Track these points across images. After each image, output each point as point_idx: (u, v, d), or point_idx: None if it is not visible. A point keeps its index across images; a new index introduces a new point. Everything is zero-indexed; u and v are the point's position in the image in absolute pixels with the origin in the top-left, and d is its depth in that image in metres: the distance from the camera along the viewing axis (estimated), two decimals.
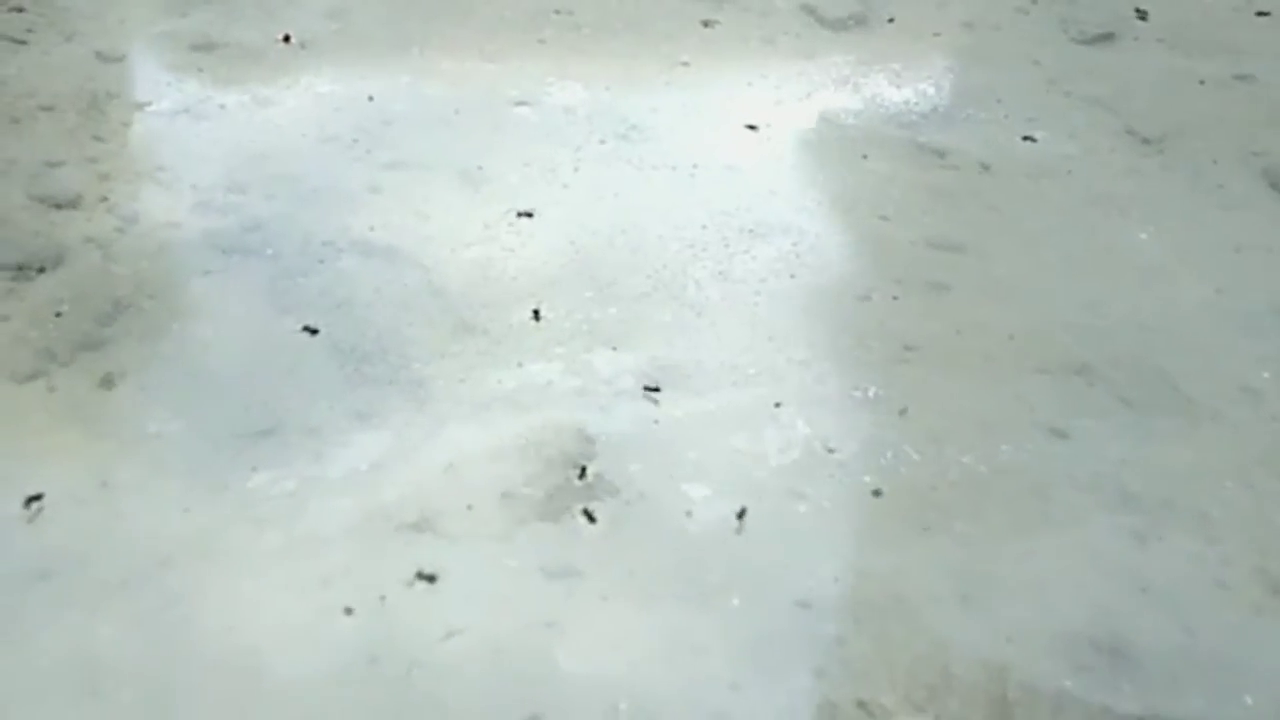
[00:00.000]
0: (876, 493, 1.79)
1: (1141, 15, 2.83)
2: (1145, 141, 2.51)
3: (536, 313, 2.06)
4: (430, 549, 1.69)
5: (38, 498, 1.72)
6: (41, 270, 2.05)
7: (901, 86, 2.65)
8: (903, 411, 1.91)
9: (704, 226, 2.25)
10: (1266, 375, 2.00)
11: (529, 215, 2.24)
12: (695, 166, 2.40)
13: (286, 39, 2.61)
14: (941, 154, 2.47)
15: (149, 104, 2.42)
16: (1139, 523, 1.76)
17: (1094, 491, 1.80)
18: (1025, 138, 2.51)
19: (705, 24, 2.81)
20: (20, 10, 2.58)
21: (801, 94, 2.62)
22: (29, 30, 2.54)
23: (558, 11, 2.85)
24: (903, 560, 1.70)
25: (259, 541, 1.68)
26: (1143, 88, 2.66)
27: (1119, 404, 1.95)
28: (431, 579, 1.66)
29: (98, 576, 1.63)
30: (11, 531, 1.67)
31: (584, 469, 1.82)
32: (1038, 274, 2.19)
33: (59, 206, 2.17)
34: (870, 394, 1.95)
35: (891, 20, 2.85)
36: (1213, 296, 2.14)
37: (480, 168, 2.35)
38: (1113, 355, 2.03)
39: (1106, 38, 2.77)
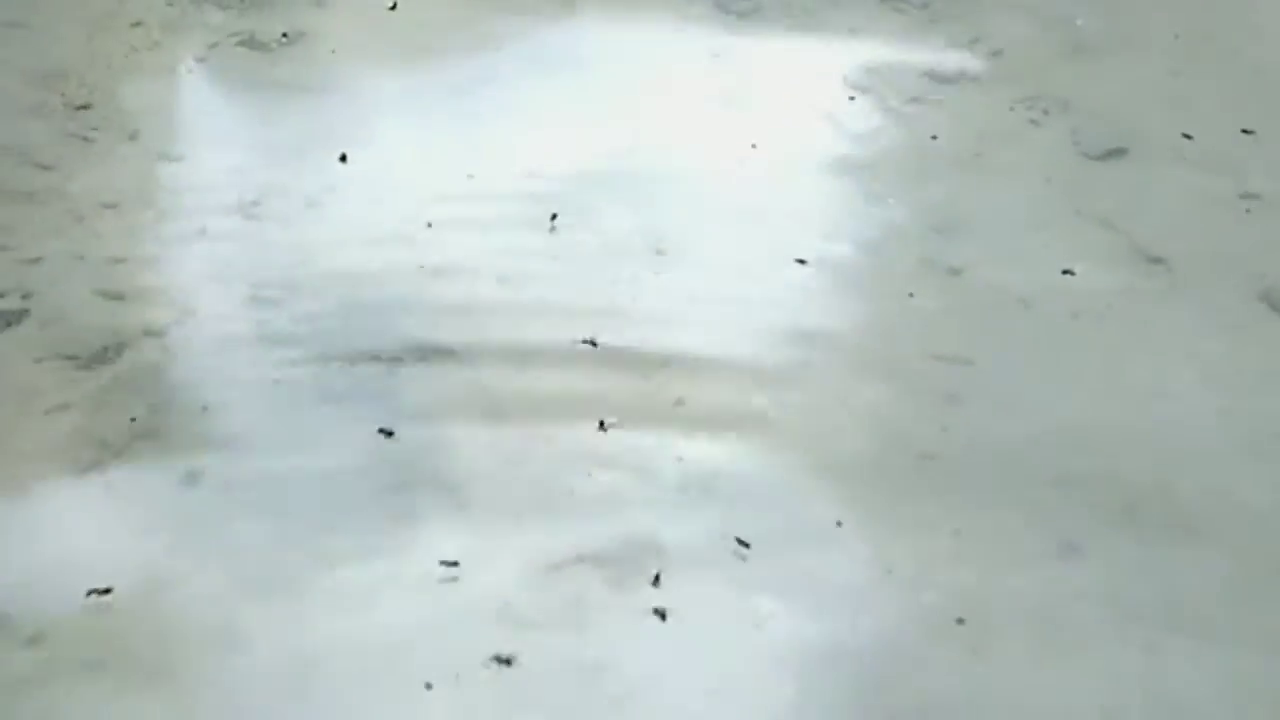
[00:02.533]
0: None
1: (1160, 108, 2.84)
2: (1151, 260, 2.51)
3: (602, 423, 2.08)
4: (507, 639, 1.74)
5: (105, 591, 1.73)
6: (102, 362, 2.08)
7: (909, 202, 2.65)
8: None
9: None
10: (1268, 495, 1.99)
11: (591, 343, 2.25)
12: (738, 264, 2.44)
13: (344, 158, 2.61)
14: (952, 268, 2.46)
15: (207, 201, 2.46)
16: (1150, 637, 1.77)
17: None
18: (1032, 252, 2.51)
19: (752, 145, 2.79)
20: (87, 108, 2.62)
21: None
22: (94, 129, 2.59)
23: None
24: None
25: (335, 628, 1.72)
26: (1151, 205, 2.66)
27: (1124, 519, 1.95)
28: (508, 662, 1.72)
29: (158, 668, 1.63)
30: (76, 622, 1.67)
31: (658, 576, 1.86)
32: (1043, 389, 2.20)
33: (121, 300, 2.21)
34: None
35: (910, 107, 2.85)
36: (1215, 417, 2.15)
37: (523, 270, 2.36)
38: (1117, 471, 2.04)
39: (1118, 153, 2.78)
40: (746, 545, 1.91)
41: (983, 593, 1.88)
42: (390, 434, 2.01)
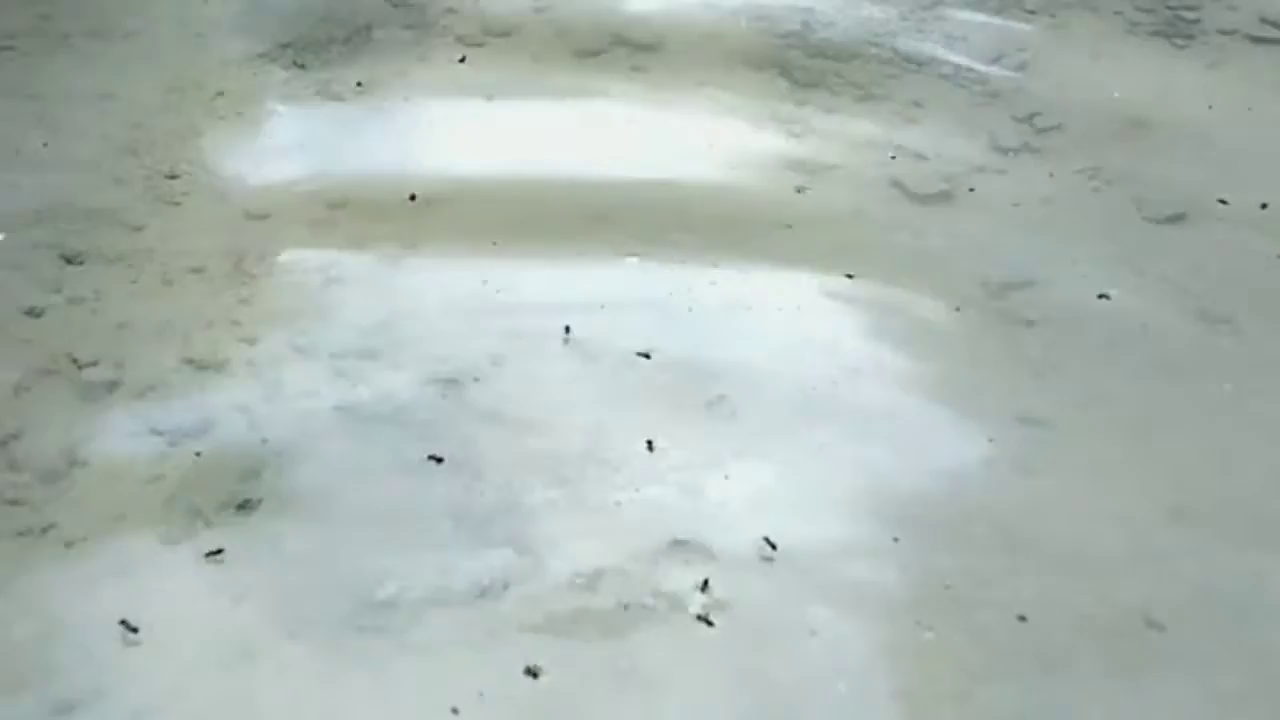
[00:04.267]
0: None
1: (1223, 201, 2.80)
2: (1218, 320, 2.46)
3: (650, 443, 2.10)
4: (544, 651, 1.76)
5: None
6: (192, 435, 2.07)
7: (980, 257, 2.61)
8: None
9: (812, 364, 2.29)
10: None
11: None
12: (799, 308, 2.43)
13: (413, 198, 2.61)
14: (1026, 321, 2.43)
15: (290, 269, 2.44)
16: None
17: None
18: (1099, 310, 2.48)
19: (798, 190, 2.78)
20: (174, 177, 2.62)
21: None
22: (183, 194, 2.60)
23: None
24: None
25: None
26: (1215, 268, 2.61)
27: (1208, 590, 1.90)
28: (535, 675, 1.74)
29: None
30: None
31: (706, 582, 1.86)
32: (1122, 451, 2.17)
33: (208, 370, 2.19)
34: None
35: (973, 190, 2.81)
36: None
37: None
38: (1201, 538, 2.00)
39: (1179, 218, 2.73)
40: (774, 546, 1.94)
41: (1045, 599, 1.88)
42: (440, 460, 2.04)
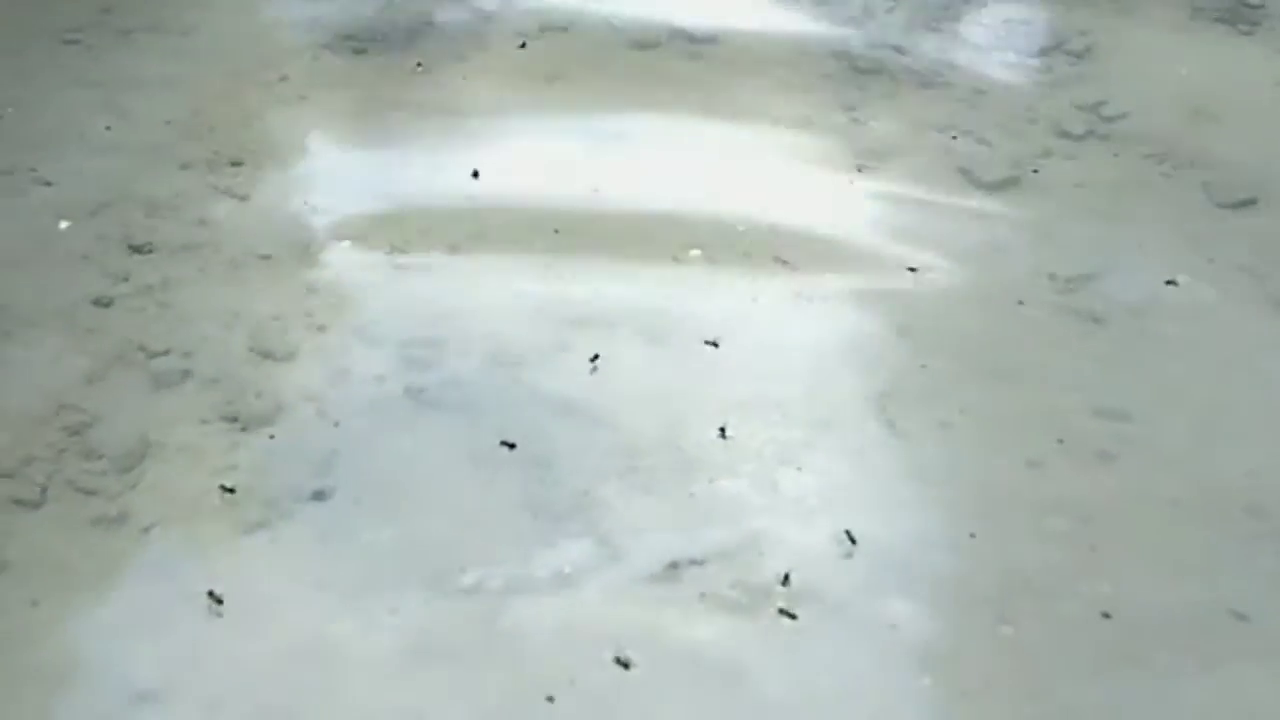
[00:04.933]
0: None
1: None
2: None
3: (723, 430, 2.07)
4: (630, 641, 1.73)
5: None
6: (263, 423, 2.03)
7: (1048, 245, 2.55)
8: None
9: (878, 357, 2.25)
10: None
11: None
12: (862, 297, 2.38)
13: (476, 174, 2.58)
14: (1096, 318, 2.36)
15: (356, 255, 2.40)
16: None
17: None
18: (1169, 296, 2.43)
19: (859, 174, 2.72)
20: (239, 164, 2.59)
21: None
22: (247, 182, 2.58)
23: None
24: None
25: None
26: None
27: None
28: (626, 665, 1.71)
29: None
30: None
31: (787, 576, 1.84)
32: (1200, 441, 2.12)
33: (277, 360, 2.15)
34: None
35: (1038, 175, 2.74)
36: None
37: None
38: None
39: (1249, 203, 2.65)
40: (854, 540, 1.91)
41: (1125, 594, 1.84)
42: (513, 446, 2.01)
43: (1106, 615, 1.83)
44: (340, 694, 1.68)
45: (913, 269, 2.45)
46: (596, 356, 2.19)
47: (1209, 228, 2.61)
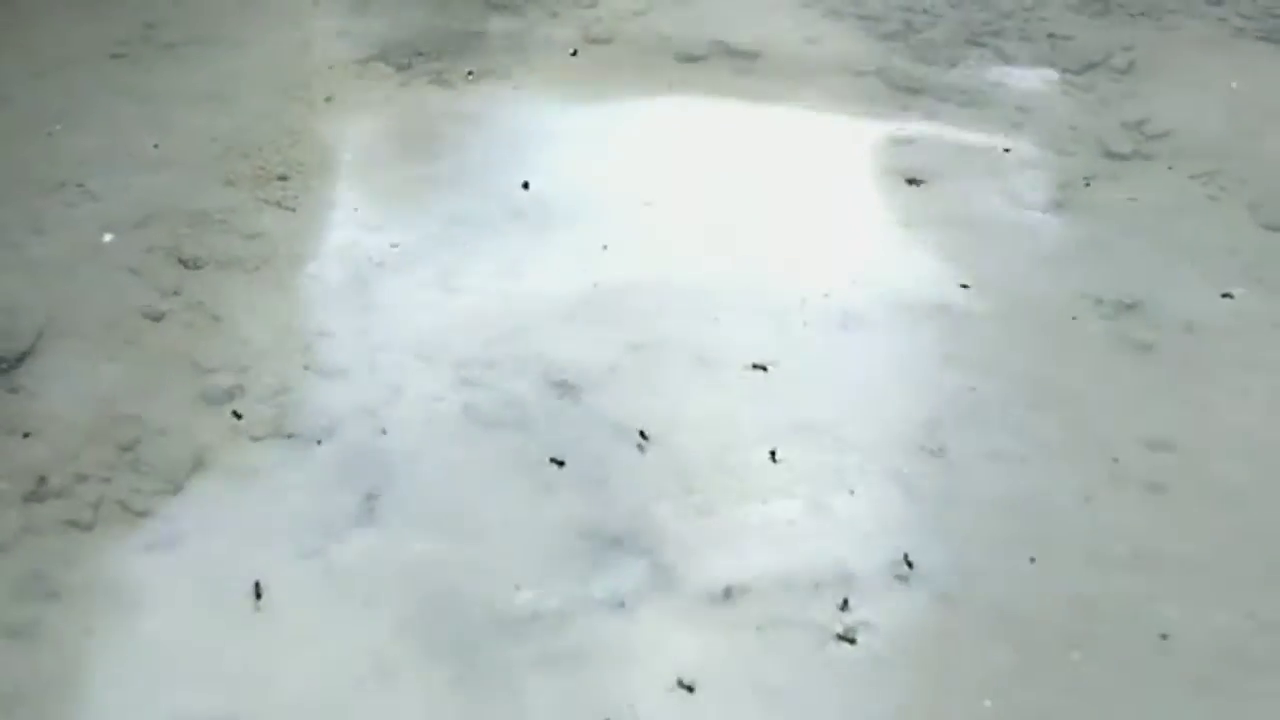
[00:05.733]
0: None
1: None
2: None
3: (773, 453, 2.03)
4: (689, 665, 1.71)
5: None
6: (317, 441, 1.99)
7: (1096, 268, 2.49)
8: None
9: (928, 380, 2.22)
10: None
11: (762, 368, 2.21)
12: (914, 320, 2.34)
13: (526, 185, 2.55)
14: (1147, 345, 2.31)
15: (409, 274, 2.36)
16: None
17: None
18: (1217, 320, 2.37)
19: (908, 191, 2.67)
20: (285, 179, 2.55)
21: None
22: (295, 197, 2.53)
23: None
24: None
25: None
26: None
27: None
28: (691, 689, 1.67)
29: None
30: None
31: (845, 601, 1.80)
32: (1249, 469, 2.07)
33: (331, 377, 2.12)
34: None
35: (1084, 190, 2.68)
36: None
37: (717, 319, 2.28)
38: None
39: None
40: (911, 565, 1.87)
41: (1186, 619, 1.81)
42: (562, 464, 1.98)
43: (1165, 637, 1.79)
44: (384, 711, 1.64)
45: (965, 285, 2.40)
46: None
47: (1257, 248, 2.56)
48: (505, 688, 1.67)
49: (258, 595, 1.75)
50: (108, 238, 2.37)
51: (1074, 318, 2.37)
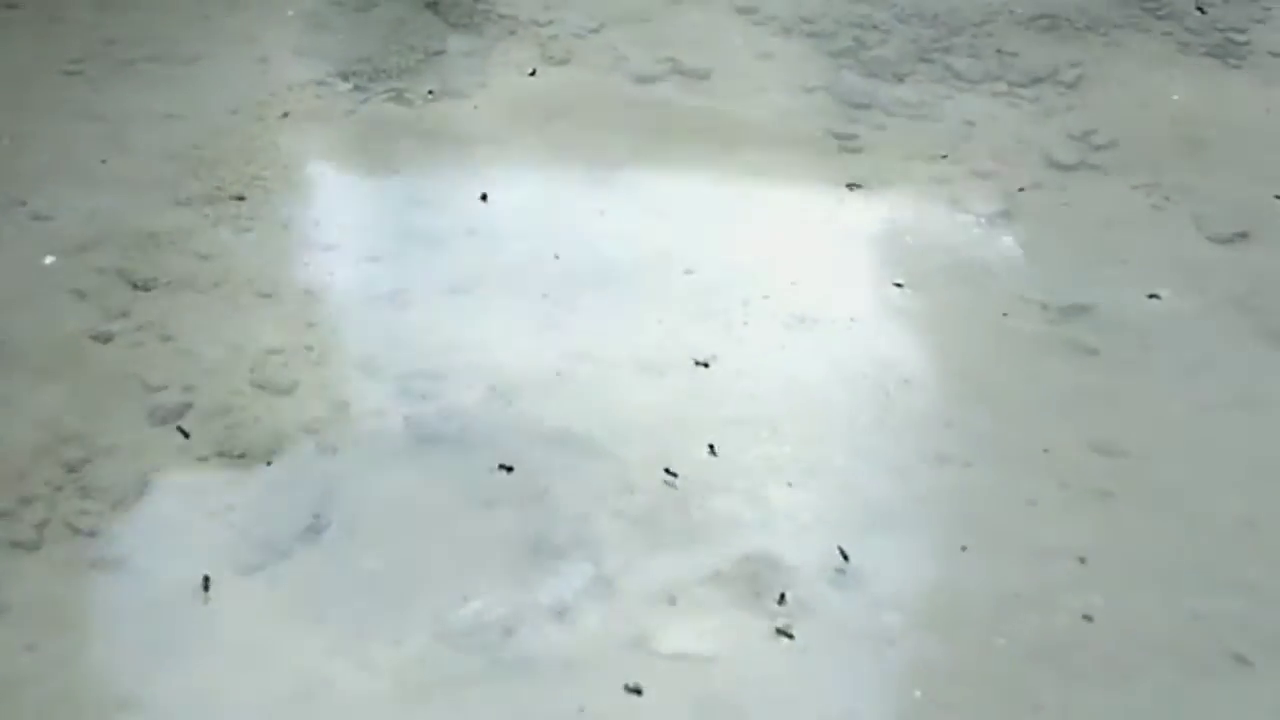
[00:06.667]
0: None
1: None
2: None
3: (712, 447, 2.03)
4: (635, 668, 1.70)
5: None
6: (262, 458, 1.96)
7: (1040, 278, 2.48)
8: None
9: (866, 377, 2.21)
10: None
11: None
12: (851, 319, 2.33)
13: (484, 198, 2.54)
14: (1089, 349, 2.30)
15: (360, 289, 2.33)
16: None
17: None
18: (1160, 329, 2.37)
19: (850, 188, 2.65)
20: (241, 199, 2.51)
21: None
22: (250, 218, 2.49)
23: None
24: None
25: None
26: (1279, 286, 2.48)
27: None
28: (639, 692, 1.67)
29: None
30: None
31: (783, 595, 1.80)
32: (1198, 482, 2.04)
33: (278, 394, 2.09)
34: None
35: (1027, 201, 2.66)
36: None
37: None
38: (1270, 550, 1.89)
39: (1241, 236, 2.60)
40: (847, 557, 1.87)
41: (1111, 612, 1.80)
42: (510, 469, 1.96)
43: (1089, 618, 1.80)
44: None
45: (899, 284, 2.39)
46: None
47: (1200, 260, 2.55)
48: (451, 701, 1.65)
49: (206, 588, 1.74)
50: (49, 260, 2.33)
51: (1014, 322, 2.36)
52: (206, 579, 1.76)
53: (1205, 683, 1.73)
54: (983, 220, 2.60)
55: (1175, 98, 2.95)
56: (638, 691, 1.67)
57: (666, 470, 1.98)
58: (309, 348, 2.19)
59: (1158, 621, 1.81)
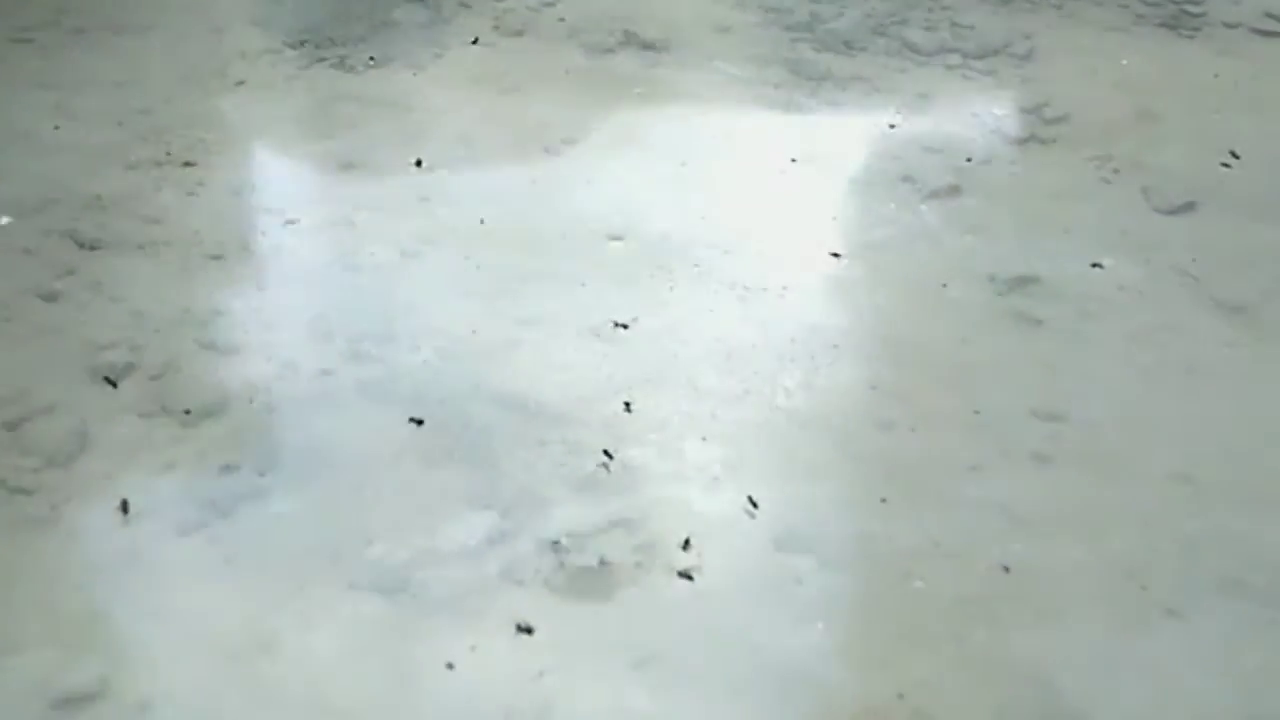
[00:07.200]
0: None
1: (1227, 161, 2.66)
2: (1233, 310, 2.33)
3: (628, 404, 2.03)
4: (531, 609, 1.71)
5: None
6: (207, 415, 1.94)
7: (989, 249, 2.48)
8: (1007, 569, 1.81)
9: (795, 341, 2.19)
10: None
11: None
12: (785, 288, 2.31)
13: (419, 163, 2.53)
14: (1033, 320, 2.30)
15: (308, 254, 2.31)
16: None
17: None
18: (1111, 303, 2.35)
19: (794, 161, 2.64)
20: (192, 164, 2.48)
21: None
22: (200, 183, 2.46)
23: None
24: None
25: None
26: (1226, 257, 2.48)
27: (1230, 585, 1.77)
28: (529, 631, 1.67)
29: None
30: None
31: (687, 540, 1.80)
32: (1141, 447, 2.02)
33: (225, 353, 2.07)
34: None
35: (980, 181, 2.67)
36: None
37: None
38: (1217, 532, 1.85)
39: (1189, 207, 2.60)
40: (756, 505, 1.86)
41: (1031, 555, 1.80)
42: (420, 422, 1.96)
43: (1007, 569, 1.79)
44: (263, 677, 1.61)
45: (836, 254, 2.38)
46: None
47: (1148, 231, 2.56)
48: (353, 639, 1.66)
49: (124, 511, 1.75)
50: (3, 220, 2.31)
51: (956, 292, 2.34)
52: (125, 502, 1.76)
53: (1134, 634, 1.72)
54: (929, 192, 2.60)
55: (1126, 66, 2.96)
56: (529, 631, 1.67)
57: (585, 425, 1.97)
58: (257, 310, 2.17)
59: (1085, 573, 1.81)
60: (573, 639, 1.67)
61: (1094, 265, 2.41)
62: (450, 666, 1.63)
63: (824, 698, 1.63)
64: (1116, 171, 2.69)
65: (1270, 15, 3.12)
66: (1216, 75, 2.94)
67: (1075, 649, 1.70)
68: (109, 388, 1.98)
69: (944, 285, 2.35)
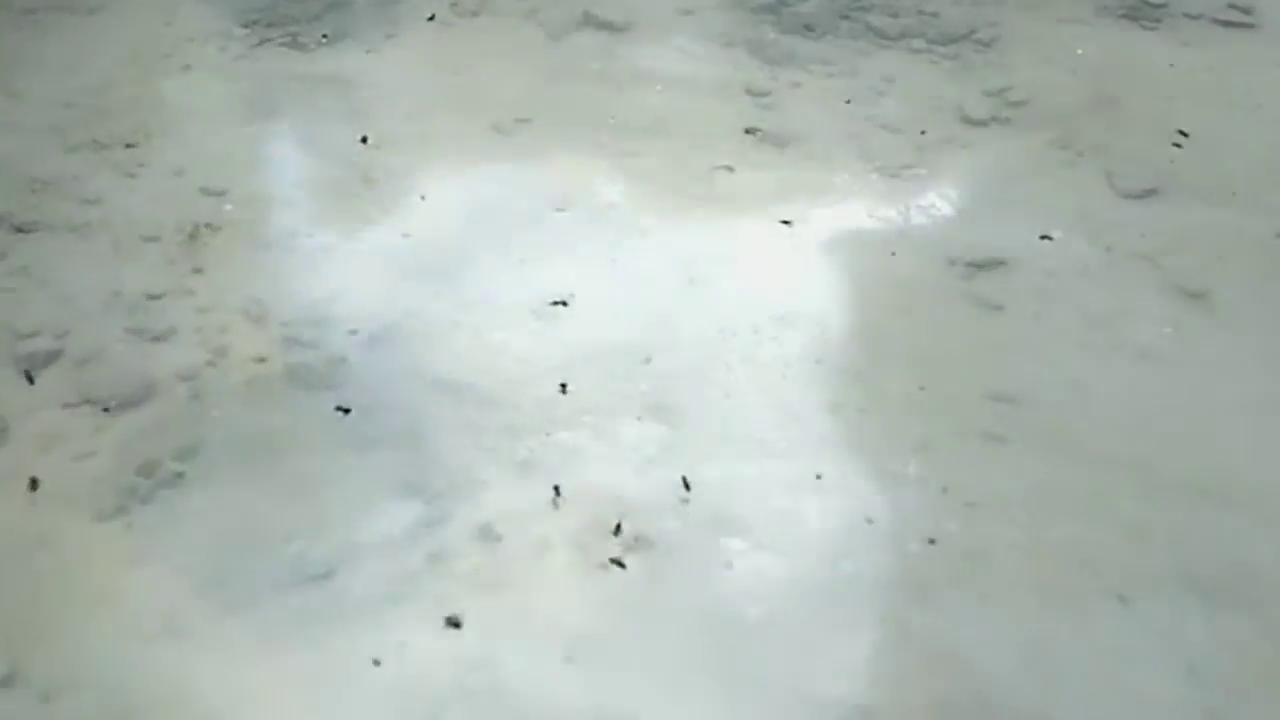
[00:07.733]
0: None
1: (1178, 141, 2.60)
2: (1190, 296, 2.27)
3: (564, 386, 1.97)
4: (458, 602, 1.66)
5: None
6: (132, 405, 1.87)
7: (949, 231, 2.42)
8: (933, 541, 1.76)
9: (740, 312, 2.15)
10: None
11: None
12: (731, 259, 2.26)
13: (364, 140, 2.48)
14: (990, 303, 2.24)
15: (246, 235, 2.24)
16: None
17: None
18: (1070, 287, 2.29)
19: (748, 131, 2.58)
20: (134, 146, 2.42)
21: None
22: (140, 165, 2.39)
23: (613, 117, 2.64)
24: None
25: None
26: (1186, 242, 2.42)
27: (1180, 570, 1.72)
28: (458, 625, 1.63)
29: None
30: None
31: (619, 526, 1.75)
32: (1094, 430, 1.96)
33: (155, 339, 2.00)
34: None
35: (939, 156, 2.60)
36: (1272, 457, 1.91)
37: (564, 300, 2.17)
38: (1170, 520, 1.79)
39: (1150, 193, 2.54)
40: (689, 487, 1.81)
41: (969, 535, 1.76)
42: (347, 411, 1.90)
43: (933, 542, 1.75)
44: (185, 668, 1.55)
45: (787, 221, 2.32)
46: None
47: (1109, 215, 2.49)
48: (275, 636, 1.60)
49: (33, 488, 1.70)
50: None
51: (910, 272, 2.28)
52: (34, 480, 1.71)
53: (1074, 617, 1.67)
54: (888, 173, 2.53)
55: (1087, 55, 2.89)
56: (457, 625, 1.62)
57: (518, 408, 1.91)
58: (191, 292, 2.10)
59: (1026, 555, 1.75)
60: (503, 630, 1.62)
61: (1043, 237, 2.35)
62: (377, 663, 1.57)
63: (760, 683, 1.58)
64: (1079, 155, 2.62)
65: (1234, 6, 3.05)
66: (1172, 65, 2.88)
67: (1010, 632, 1.65)
68: (35, 375, 1.91)
69: (897, 263, 2.29)
